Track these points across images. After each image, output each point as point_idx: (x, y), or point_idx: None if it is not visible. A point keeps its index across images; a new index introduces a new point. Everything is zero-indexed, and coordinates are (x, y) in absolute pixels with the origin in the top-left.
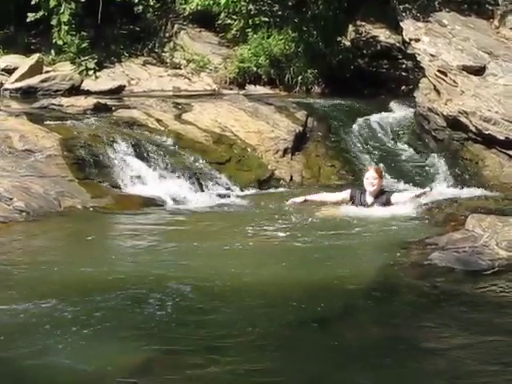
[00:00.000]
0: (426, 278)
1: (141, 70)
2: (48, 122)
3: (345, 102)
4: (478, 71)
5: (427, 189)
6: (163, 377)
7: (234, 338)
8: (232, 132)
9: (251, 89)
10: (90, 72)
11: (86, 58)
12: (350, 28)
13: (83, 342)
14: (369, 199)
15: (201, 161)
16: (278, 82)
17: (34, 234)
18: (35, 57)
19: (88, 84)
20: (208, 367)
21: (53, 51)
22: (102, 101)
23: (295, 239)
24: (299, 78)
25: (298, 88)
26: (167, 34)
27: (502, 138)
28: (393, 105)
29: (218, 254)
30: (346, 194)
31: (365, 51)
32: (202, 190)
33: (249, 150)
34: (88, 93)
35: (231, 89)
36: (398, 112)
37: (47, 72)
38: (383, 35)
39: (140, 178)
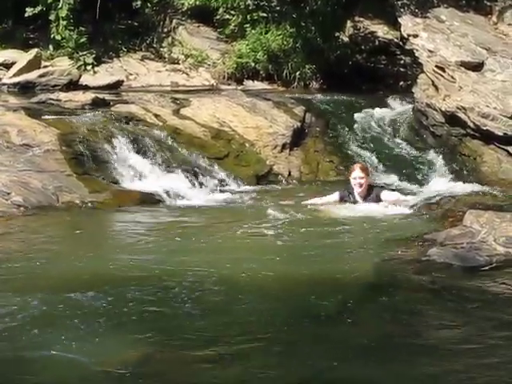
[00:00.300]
0: (424, 273)
1: (139, 65)
2: (46, 117)
3: (343, 97)
4: (476, 67)
5: (409, 198)
6: (166, 371)
7: (236, 333)
8: (230, 127)
9: (249, 84)
10: (88, 67)
11: (84, 53)
12: (348, 24)
13: (83, 336)
14: (359, 198)
15: (199, 156)
16: (276, 78)
17: (32, 229)
18: (33, 52)
19: (86, 79)
20: (210, 362)
21: (51, 46)
22: (100, 96)
23: (294, 236)
24: (297, 73)
25: (296, 83)
26: (165, 29)
27: (500, 133)
28: (391, 100)
29: (217, 250)
30: (335, 196)
31: (363, 47)
32: (201, 186)
33: (247, 145)
34: (86, 88)
35: (229, 84)
36: (396, 108)
37: (45, 67)
38: (381, 31)
39: (138, 173)
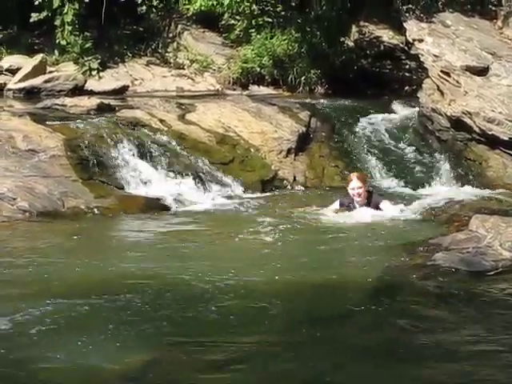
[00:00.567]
0: (429, 278)
1: (144, 70)
2: (51, 122)
3: (348, 102)
4: (482, 72)
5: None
6: (172, 375)
7: (241, 337)
8: (235, 132)
9: (254, 89)
10: (94, 72)
11: (90, 58)
12: (354, 28)
13: (89, 342)
14: (359, 207)
15: (204, 161)
16: (281, 83)
17: (38, 234)
18: (39, 57)
19: (91, 84)
20: (215, 365)
21: (56, 51)
22: (106, 101)
23: (299, 242)
24: (302, 78)
25: (301, 88)
26: (171, 35)
27: (505, 138)
28: (396, 105)
29: (220, 256)
30: (336, 204)
31: (368, 52)
32: (206, 191)
33: (252, 150)
34: (91, 93)
35: (234, 89)
36: (402, 112)
37: (50, 72)
38: (386, 36)
39: (143, 178)
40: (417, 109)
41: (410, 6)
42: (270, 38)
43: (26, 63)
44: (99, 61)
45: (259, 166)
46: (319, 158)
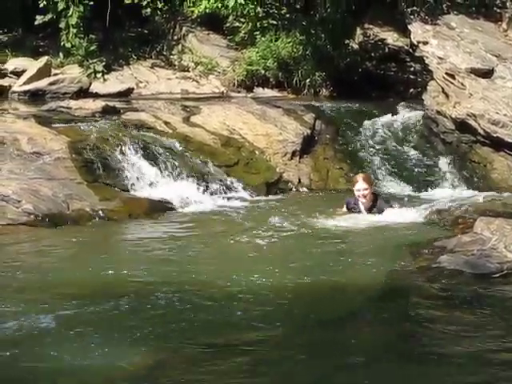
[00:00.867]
0: (434, 280)
1: (149, 72)
2: (56, 125)
3: (353, 104)
4: (486, 74)
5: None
6: (178, 377)
7: (245, 340)
8: (240, 135)
9: (259, 91)
10: (99, 75)
11: (95, 60)
12: (358, 31)
13: (96, 344)
14: (364, 209)
15: (209, 163)
16: (286, 85)
17: (42, 237)
18: (43, 59)
19: (96, 87)
20: (219, 366)
21: (61, 54)
22: (111, 103)
23: (304, 244)
24: (307, 80)
25: (305, 91)
26: (175, 37)
27: (510, 140)
28: (401, 108)
29: (225, 259)
30: (345, 207)
31: (373, 54)
32: (210, 193)
33: (257, 152)
34: (96, 95)
35: (239, 91)
36: (406, 115)
37: (55, 75)
38: (391, 38)
39: (148, 180)
40: (421, 111)
41: (415, 8)
42: (275, 41)
43: (31, 66)
44: (104, 63)
45: (264, 169)
46: (324, 160)
